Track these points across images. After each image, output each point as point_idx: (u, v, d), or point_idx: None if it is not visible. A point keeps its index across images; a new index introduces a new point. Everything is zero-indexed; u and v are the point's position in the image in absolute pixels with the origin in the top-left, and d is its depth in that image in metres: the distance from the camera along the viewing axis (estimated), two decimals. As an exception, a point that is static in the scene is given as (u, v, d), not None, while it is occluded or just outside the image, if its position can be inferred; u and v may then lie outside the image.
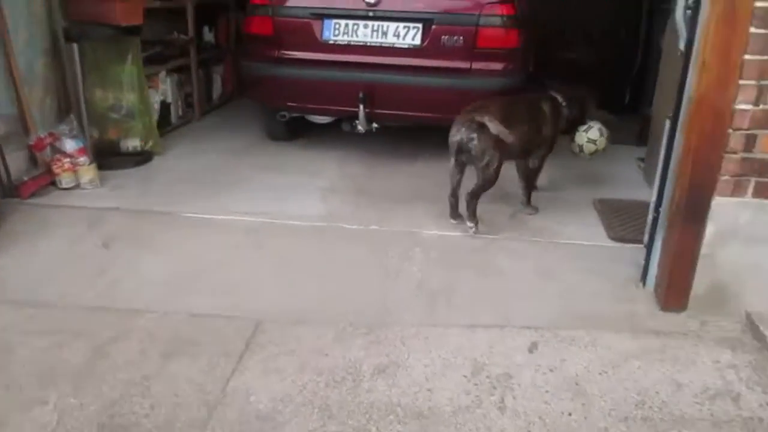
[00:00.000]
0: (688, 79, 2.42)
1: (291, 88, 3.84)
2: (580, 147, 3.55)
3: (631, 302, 2.72)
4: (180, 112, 4.98)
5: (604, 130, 3.61)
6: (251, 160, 4.20)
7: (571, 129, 3.52)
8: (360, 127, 3.84)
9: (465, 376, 2.25)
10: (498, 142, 3.01)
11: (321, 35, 3.73)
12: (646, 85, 4.94)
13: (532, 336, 2.48)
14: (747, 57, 2.26)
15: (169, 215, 3.34)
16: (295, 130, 4.48)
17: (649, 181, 3.84)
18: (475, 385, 2.21)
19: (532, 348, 2.42)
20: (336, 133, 4.42)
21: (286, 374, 2.23)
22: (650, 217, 2.74)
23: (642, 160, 4.14)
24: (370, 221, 3.27)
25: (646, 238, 2.79)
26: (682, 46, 2.46)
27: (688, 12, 2.41)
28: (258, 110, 4.59)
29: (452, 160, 3.15)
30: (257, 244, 3.09)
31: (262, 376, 2.22)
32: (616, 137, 4.55)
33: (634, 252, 3.01)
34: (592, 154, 3.63)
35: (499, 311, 2.63)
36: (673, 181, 2.55)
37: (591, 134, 3.55)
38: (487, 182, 3.13)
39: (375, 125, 3.86)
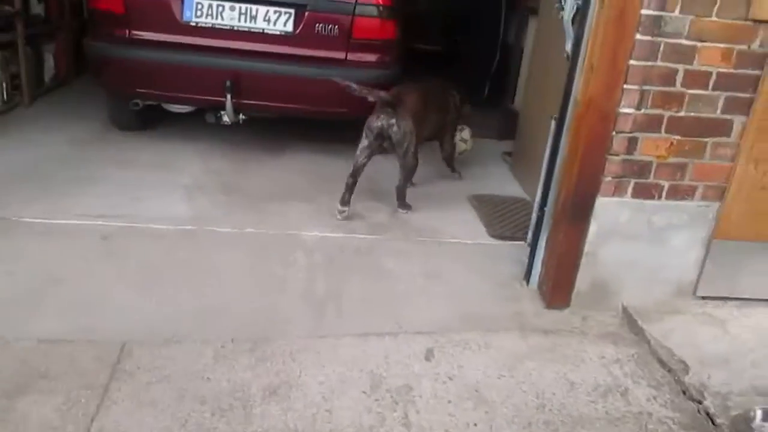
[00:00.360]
0: (574, 82, 2.45)
1: (146, 73, 3.42)
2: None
3: (517, 301, 2.73)
4: (4, 96, 4.29)
5: (470, 130, 3.85)
6: (98, 154, 3.70)
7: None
8: (226, 118, 3.53)
9: (364, 392, 2.11)
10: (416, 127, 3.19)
11: (181, 15, 3.35)
12: (505, 81, 5.09)
13: (427, 342, 2.40)
14: (632, 62, 2.32)
15: (2, 221, 2.83)
16: (146, 119, 4.02)
17: (517, 176, 3.96)
18: (376, 400, 2.08)
19: (429, 355, 2.34)
20: (195, 123, 4.04)
21: (163, 406, 1.94)
22: (534, 216, 2.77)
23: (508, 154, 4.24)
24: (244, 223, 2.99)
25: (529, 237, 2.81)
26: (568, 48, 2.49)
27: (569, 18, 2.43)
28: (101, 95, 4.05)
29: (365, 142, 3.18)
30: (114, 253, 2.70)
31: (135, 411, 1.92)
32: (479, 132, 4.67)
33: (514, 249, 3.05)
34: (461, 153, 3.88)
35: (390, 317, 2.51)
36: (559, 181, 2.59)
37: (464, 134, 3.69)
38: (410, 170, 3.30)
39: (242, 116, 3.56)
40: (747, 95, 2.43)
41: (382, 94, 3.10)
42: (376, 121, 3.12)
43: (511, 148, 4.45)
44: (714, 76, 2.39)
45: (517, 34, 4.64)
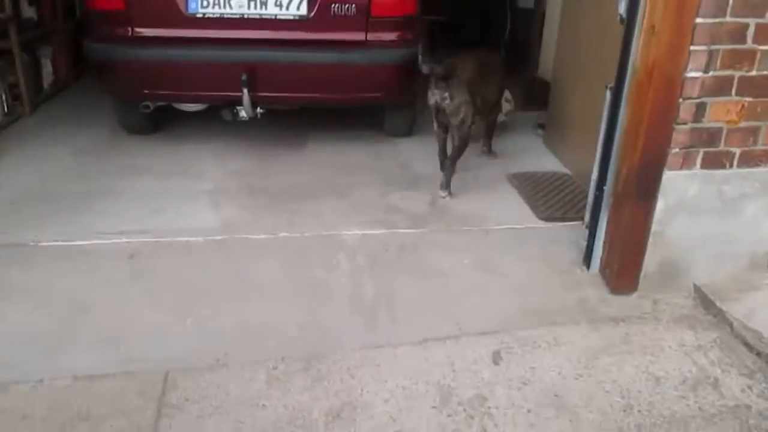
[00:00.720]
0: (632, 47, 2.21)
1: (154, 73, 3.18)
2: None
3: (579, 288, 2.53)
4: (5, 108, 4.07)
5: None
6: (109, 163, 3.47)
7: None
8: (243, 114, 3.30)
9: (434, 407, 1.93)
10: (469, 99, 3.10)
11: (186, 7, 3.10)
12: (522, 48, 4.83)
13: (492, 343, 2.21)
14: (698, 20, 2.09)
15: (20, 248, 2.63)
16: (157, 121, 3.79)
17: (553, 149, 3.74)
18: (449, 416, 1.90)
19: (496, 358, 2.15)
20: (208, 121, 3.81)
21: (221, 441, 1.78)
22: (591, 196, 2.56)
23: (541, 126, 4.01)
24: (277, 227, 2.79)
25: (587, 218, 2.60)
26: (622, 9, 2.25)
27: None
28: (105, 98, 3.78)
29: (435, 123, 3.25)
30: (143, 273, 2.50)
31: (191, 451, 1.76)
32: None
33: (567, 231, 2.85)
34: (507, 114, 3.87)
35: (447, 318, 2.32)
36: (619, 156, 2.37)
37: (506, 95, 3.71)
38: (464, 142, 3.19)
39: (260, 110, 3.33)
40: (822, 46, 2.20)
41: (435, 67, 2.99)
42: (432, 98, 3.09)
43: (541, 119, 4.21)
44: (788, 28, 2.16)
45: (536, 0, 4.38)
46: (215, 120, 3.67)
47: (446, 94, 3.03)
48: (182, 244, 2.65)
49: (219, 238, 2.69)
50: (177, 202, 3.00)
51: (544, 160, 3.64)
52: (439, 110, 3.11)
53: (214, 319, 2.26)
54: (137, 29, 3.15)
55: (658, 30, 2.11)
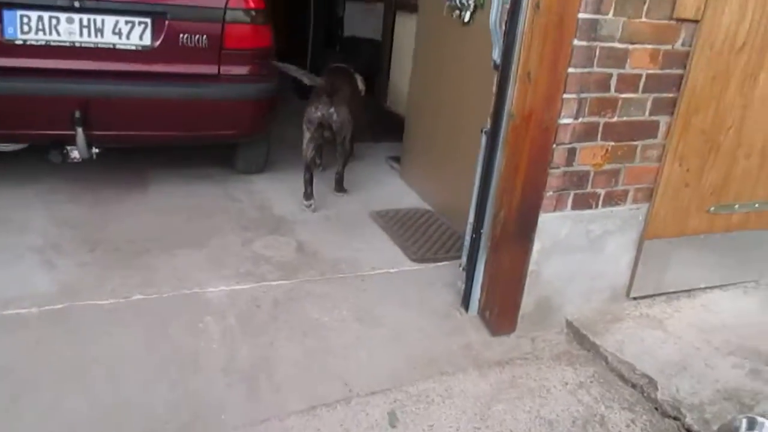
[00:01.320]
0: (507, 93, 2.23)
1: (-40, 108, 2.65)
2: None
3: (462, 332, 2.50)
4: None
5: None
6: None
7: None
8: (76, 154, 2.84)
9: (337, 486, 1.76)
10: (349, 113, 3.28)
11: (2, 33, 2.62)
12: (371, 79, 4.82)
13: (385, 403, 2.09)
14: (570, 70, 2.16)
15: None
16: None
17: (411, 183, 3.73)
18: (354, 496, 1.74)
19: (393, 420, 2.03)
20: (28, 158, 3.26)
21: None
22: (468, 238, 2.54)
23: (395, 159, 3.99)
24: (128, 289, 2.40)
25: (464, 260, 2.58)
26: (496, 56, 2.26)
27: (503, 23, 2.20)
28: None
29: (308, 135, 3.27)
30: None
31: None
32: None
33: (441, 272, 2.82)
34: None
35: (335, 378, 2.16)
36: (497, 200, 2.37)
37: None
38: (348, 155, 3.51)
39: (95, 150, 2.90)
40: (671, 95, 2.39)
41: (320, 81, 3.16)
42: (316, 112, 3.18)
43: (393, 151, 4.21)
44: (643, 78, 2.31)
45: (384, 31, 4.38)
46: (36, 156, 3.15)
47: (332, 110, 3.15)
48: (12, 319, 2.18)
49: (58, 306, 2.25)
50: (-2, 263, 2.50)
51: (403, 195, 3.62)
52: (323, 125, 3.20)
53: (58, 411, 1.87)
54: (-65, 56, 2.60)
55: (534, 79, 2.15)
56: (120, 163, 3.46)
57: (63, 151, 2.85)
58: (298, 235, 2.97)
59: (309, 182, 3.28)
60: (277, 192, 3.44)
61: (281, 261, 2.73)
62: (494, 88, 2.31)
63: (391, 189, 3.70)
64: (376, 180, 3.83)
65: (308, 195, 3.28)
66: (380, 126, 4.53)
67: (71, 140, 2.79)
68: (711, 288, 2.88)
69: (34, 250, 2.61)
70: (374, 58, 4.57)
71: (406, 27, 4.00)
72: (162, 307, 2.35)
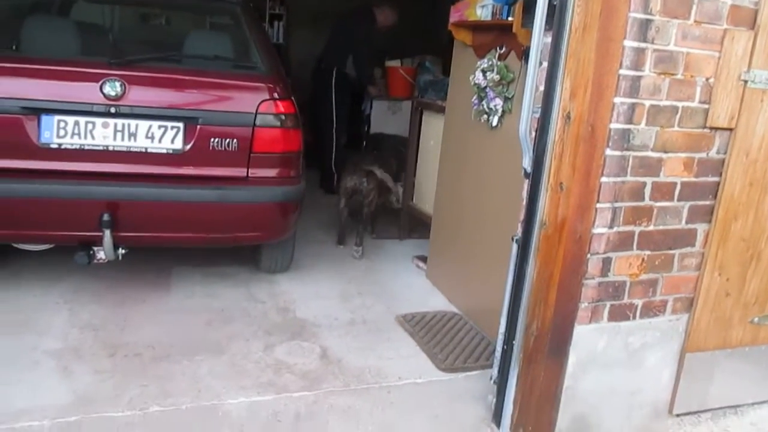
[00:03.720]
0: (539, 201, 2.18)
1: (-8, 210, 2.68)
2: None
3: (494, 452, 2.35)
4: None
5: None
6: None
7: None
8: (102, 255, 2.82)
9: None
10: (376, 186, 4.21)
11: (38, 137, 2.67)
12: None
13: None
14: (603, 180, 2.12)
15: None
16: (-13, 258, 3.18)
17: (438, 285, 3.65)
18: None
19: None
20: (54, 257, 3.26)
21: None
22: (499, 350, 2.43)
23: (421, 259, 3.93)
24: (146, 399, 2.30)
25: (495, 373, 2.45)
26: (526, 164, 2.23)
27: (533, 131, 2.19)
28: None
29: (342, 201, 4.23)
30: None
31: None
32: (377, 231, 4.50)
33: (470, 383, 2.68)
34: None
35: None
36: (529, 312, 2.27)
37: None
38: (372, 211, 4.30)
39: (122, 251, 2.89)
40: (708, 202, 2.33)
41: (361, 163, 4.24)
42: (350, 182, 4.15)
43: (419, 249, 4.16)
44: (678, 187, 2.26)
45: (411, 129, 4.43)
46: (62, 255, 3.15)
47: (364, 180, 4.11)
48: (20, 432, 2.10)
49: (72, 419, 2.14)
50: (14, 369, 2.41)
51: (430, 296, 3.52)
52: (354, 192, 4.14)
53: None
54: (-28, 158, 2.66)
55: (567, 188, 2.10)
56: (144, 261, 3.45)
57: (89, 253, 2.83)
58: (322, 341, 2.87)
59: (342, 235, 4.27)
60: (302, 293, 3.38)
61: (304, 369, 2.62)
62: (525, 196, 2.27)
63: (418, 290, 3.61)
64: (401, 280, 3.76)
65: (339, 241, 4.27)
66: (406, 223, 4.50)
67: (98, 242, 2.78)
68: (760, 404, 2.70)
69: (52, 354, 2.54)
70: (401, 155, 4.61)
71: (432, 126, 4.03)
72: (179, 420, 2.24)
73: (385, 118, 6.01)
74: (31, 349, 2.58)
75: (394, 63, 5.94)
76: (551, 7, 2.08)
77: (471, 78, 3.05)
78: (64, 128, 2.71)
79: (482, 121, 3.02)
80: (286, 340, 2.85)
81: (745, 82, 2.24)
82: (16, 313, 2.86)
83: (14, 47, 3.00)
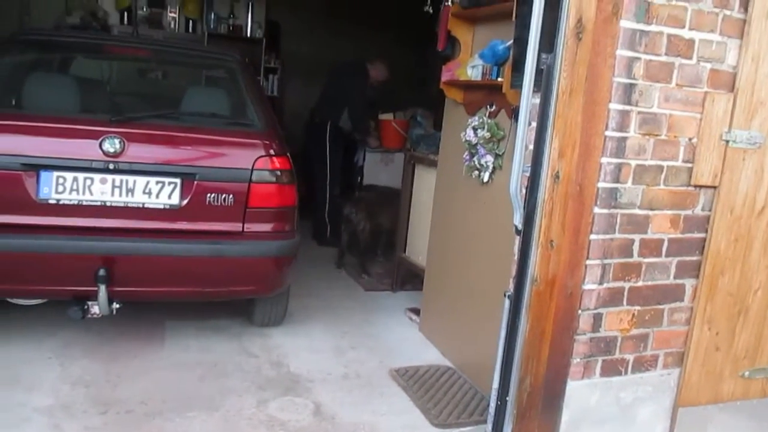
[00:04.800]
0: (530, 258, 2.23)
1: (-14, 265, 2.70)
2: None
3: None
4: None
5: None
6: None
7: None
8: (96, 310, 2.82)
9: None
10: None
11: (36, 193, 2.71)
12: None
13: None
14: (592, 237, 2.17)
15: None
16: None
17: (430, 338, 3.65)
18: None
19: None
20: (44, 310, 3.26)
21: None
22: (493, 405, 2.42)
23: (414, 312, 3.94)
24: (137, 458, 2.30)
25: (489, 429, 2.44)
26: (517, 221, 2.28)
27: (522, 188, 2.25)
28: None
29: (343, 226, 5.02)
30: None
31: None
32: (371, 283, 4.45)
33: (464, 439, 2.67)
34: None
35: None
36: (521, 366, 2.29)
37: None
38: (366, 238, 4.99)
39: (116, 305, 2.89)
40: (695, 258, 2.39)
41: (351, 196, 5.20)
42: (345, 210, 4.97)
43: (411, 302, 4.18)
44: (666, 243, 2.32)
45: (404, 182, 4.51)
46: (54, 309, 3.14)
47: (353, 210, 4.89)
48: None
49: (62, 481, 2.14)
50: (4, 426, 2.38)
51: (423, 350, 3.52)
52: (348, 219, 4.91)
53: None
54: (-31, 213, 2.68)
55: (557, 245, 2.16)
56: (137, 315, 3.44)
57: (84, 307, 2.83)
58: (315, 396, 2.86)
59: (341, 257, 5.04)
60: (295, 347, 3.38)
61: (297, 426, 2.60)
62: (516, 252, 2.31)
63: (411, 343, 3.62)
64: (395, 333, 3.76)
65: (338, 264, 5.03)
66: (398, 275, 4.53)
67: (93, 296, 2.79)
68: (754, 459, 2.70)
69: (42, 412, 2.51)
70: (394, 207, 4.70)
71: (425, 179, 4.10)
72: (170, 480, 2.23)
73: (378, 169, 6.11)
74: (21, 406, 2.55)
75: (386, 116, 6.06)
76: (539, 71, 2.17)
77: (462, 135, 3.13)
78: (62, 184, 2.75)
79: (473, 176, 3.09)
80: (279, 396, 2.84)
81: (727, 141, 2.33)
82: (6, 369, 2.84)
83: (15, 104, 3.08)
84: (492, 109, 3.03)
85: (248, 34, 7.08)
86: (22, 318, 3.34)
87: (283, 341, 3.45)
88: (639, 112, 2.17)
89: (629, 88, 2.14)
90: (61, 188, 2.75)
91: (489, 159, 2.99)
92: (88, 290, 2.78)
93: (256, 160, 2.97)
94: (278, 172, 3.03)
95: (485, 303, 2.99)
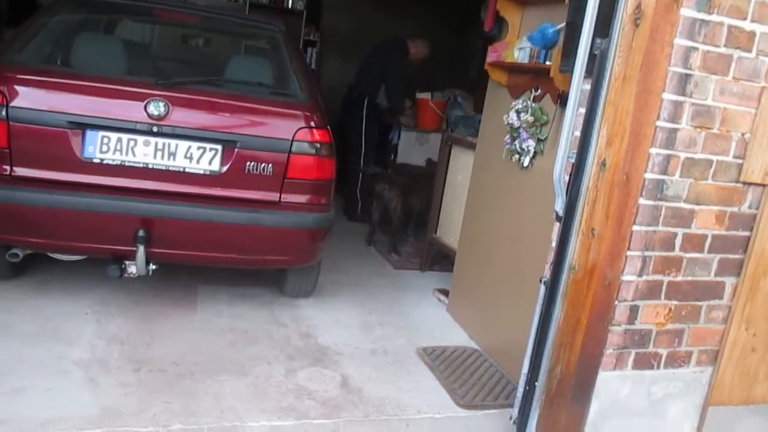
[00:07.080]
0: (569, 245, 2.21)
1: (33, 219, 2.74)
2: None
3: (510, 493, 2.34)
4: None
5: None
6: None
7: None
8: (133, 269, 2.89)
9: None
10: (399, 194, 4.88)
11: (81, 151, 2.76)
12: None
13: None
14: (635, 228, 2.14)
15: None
16: (21, 265, 3.24)
17: (458, 319, 3.65)
18: None
19: None
20: (84, 268, 3.34)
21: None
22: (521, 390, 2.43)
23: (443, 293, 3.94)
24: (168, 416, 2.33)
25: (515, 413, 2.46)
26: (558, 208, 2.26)
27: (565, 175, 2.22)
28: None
29: (375, 204, 5.02)
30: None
31: None
32: (400, 262, 4.47)
33: (489, 421, 2.67)
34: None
35: None
36: (553, 353, 2.29)
37: None
38: (397, 216, 4.94)
39: (153, 266, 2.95)
40: (738, 256, 2.35)
41: (382, 172, 5.15)
42: (378, 186, 4.92)
43: (440, 282, 4.19)
44: (709, 239, 2.28)
45: (439, 162, 4.49)
46: (92, 267, 3.22)
47: (386, 187, 4.83)
48: (45, 443, 2.12)
49: (98, 431, 2.20)
50: (43, 377, 2.45)
51: (451, 332, 3.53)
52: (380, 196, 4.87)
53: None
54: (18, 169, 2.73)
55: (599, 234, 2.13)
56: (171, 277, 3.51)
57: (121, 266, 2.89)
58: (343, 369, 2.89)
59: (371, 234, 5.06)
60: (324, 320, 3.41)
61: (325, 396, 2.64)
62: (555, 239, 2.30)
63: (439, 323, 3.62)
64: (422, 313, 3.77)
65: (369, 242, 5.05)
66: (428, 255, 4.53)
67: (131, 256, 2.85)
68: (782, 463, 2.66)
69: (79, 365, 2.58)
70: (427, 187, 4.68)
71: (461, 161, 4.07)
72: (201, 440, 2.28)
73: (413, 148, 6.08)
74: (61, 358, 2.63)
75: (424, 95, 6.01)
76: (591, 56, 2.13)
77: (505, 117, 3.10)
78: (107, 144, 2.79)
79: (513, 160, 3.06)
80: (307, 366, 2.88)
81: (781, 139, 2.27)
82: (47, 321, 2.92)
83: (63, 63, 3.12)
84: (537, 93, 2.98)
85: (289, 5, 7.08)
86: (60, 273, 3.43)
87: (312, 313, 3.48)
88: (692, 104, 2.12)
89: (684, 79, 2.09)
90: (105, 148, 2.79)
91: (531, 143, 2.95)
92: (127, 250, 2.84)
93: (296, 131, 2.98)
94: (318, 145, 3.04)
95: (517, 288, 2.98)
